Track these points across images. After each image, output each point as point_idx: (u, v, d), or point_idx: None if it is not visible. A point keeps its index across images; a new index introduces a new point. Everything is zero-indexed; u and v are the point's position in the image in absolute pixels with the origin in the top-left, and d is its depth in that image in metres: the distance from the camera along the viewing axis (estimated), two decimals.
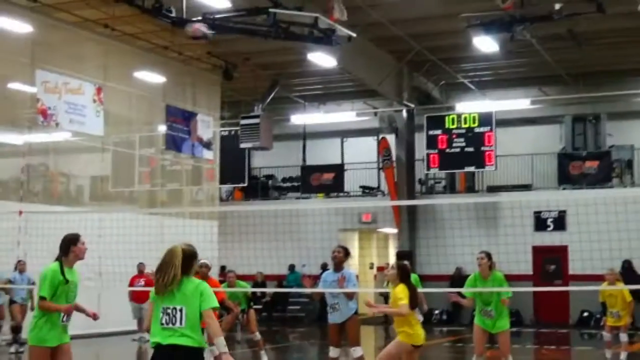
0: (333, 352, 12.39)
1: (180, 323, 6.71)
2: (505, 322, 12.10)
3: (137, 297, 20.46)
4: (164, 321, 6.77)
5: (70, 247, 9.26)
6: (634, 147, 28.39)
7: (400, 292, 10.46)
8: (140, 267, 20.59)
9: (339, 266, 12.42)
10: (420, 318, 11.01)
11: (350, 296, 12.36)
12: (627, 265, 24.16)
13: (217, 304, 6.93)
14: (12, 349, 18.22)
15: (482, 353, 12.22)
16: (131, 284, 20.17)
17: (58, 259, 9.15)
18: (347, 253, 12.57)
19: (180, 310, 6.72)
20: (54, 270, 9.06)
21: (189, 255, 7.04)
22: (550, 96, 29.71)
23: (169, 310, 6.75)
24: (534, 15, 18.38)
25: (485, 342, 12.26)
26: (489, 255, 12.15)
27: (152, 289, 6.96)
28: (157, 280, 6.86)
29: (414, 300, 10.51)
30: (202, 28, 15.85)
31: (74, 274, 9.21)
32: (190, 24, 16.41)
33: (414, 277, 17.61)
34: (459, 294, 12.75)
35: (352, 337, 12.45)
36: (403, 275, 10.69)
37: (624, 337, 15.71)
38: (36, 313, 8.96)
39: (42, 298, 8.88)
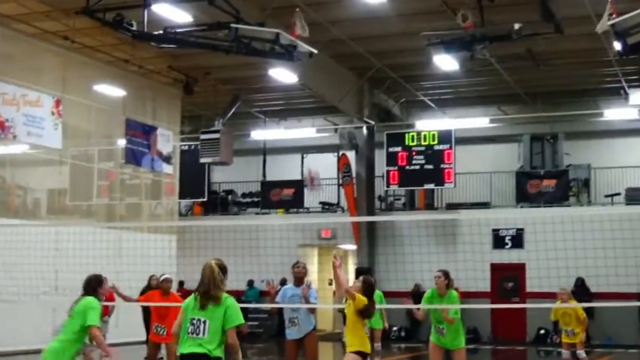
0: None
1: (203, 334, 7.38)
2: (461, 339, 12.14)
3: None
4: (189, 331, 7.48)
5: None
6: (590, 166, 28.71)
7: (359, 297, 10.45)
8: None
9: (300, 281, 12.46)
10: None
11: (311, 309, 12.31)
12: (579, 283, 24.37)
13: (241, 321, 7.57)
14: None
15: None
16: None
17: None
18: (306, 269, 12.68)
19: (204, 323, 7.40)
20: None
21: (223, 270, 7.91)
22: (509, 115, 29.96)
23: (195, 321, 7.44)
24: (493, 35, 18.53)
25: (441, 359, 12.27)
26: (445, 274, 12.19)
27: (186, 301, 7.66)
28: (202, 295, 7.56)
29: (368, 311, 10.46)
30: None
31: None
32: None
33: (377, 294, 17.63)
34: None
35: (310, 354, 12.40)
36: (367, 290, 10.66)
37: (581, 354, 15.82)
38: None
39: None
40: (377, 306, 17.09)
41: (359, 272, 28.79)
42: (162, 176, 26.15)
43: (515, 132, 30.20)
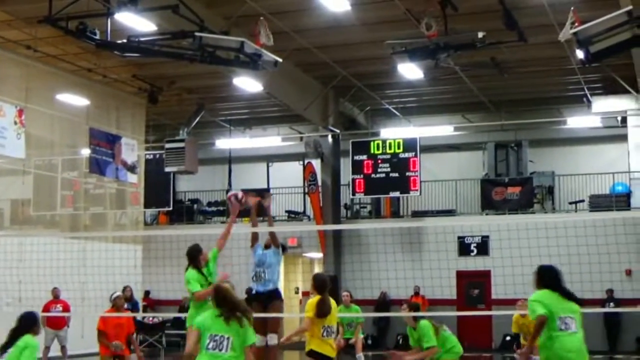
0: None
1: (226, 350, 7.67)
2: (452, 353, 12.12)
3: (54, 323, 19.88)
4: (211, 347, 7.72)
5: None
6: (554, 173, 28.96)
7: (308, 305, 10.39)
8: (55, 292, 19.85)
9: (267, 247, 14.11)
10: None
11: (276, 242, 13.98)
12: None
13: (254, 340, 7.96)
14: None
15: None
16: (46, 309, 19.48)
17: None
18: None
19: (228, 339, 7.69)
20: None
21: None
22: (473, 123, 30.13)
23: (217, 338, 7.69)
24: (457, 43, 18.62)
25: None
26: (410, 306, 12.21)
27: (204, 318, 7.89)
28: (230, 312, 7.83)
29: (322, 309, 10.32)
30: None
31: None
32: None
33: (354, 309, 17.62)
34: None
35: (272, 323, 12.87)
36: (318, 287, 10.57)
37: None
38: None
39: None
40: (351, 315, 17.15)
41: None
42: (127, 185, 25.96)
43: (479, 139, 30.38)
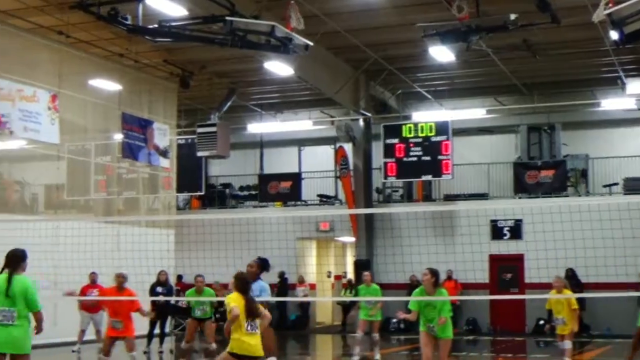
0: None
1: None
2: (449, 331, 12.28)
3: (90, 307, 20.11)
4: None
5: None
6: (588, 156, 28.73)
7: (230, 299, 10.28)
8: (92, 277, 20.08)
9: (252, 279, 12.48)
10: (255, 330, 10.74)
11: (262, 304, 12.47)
12: (570, 274, 24.27)
13: None
14: None
15: (430, 356, 12.29)
16: (82, 294, 19.72)
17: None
18: (263, 266, 13.03)
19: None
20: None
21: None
22: (505, 106, 29.95)
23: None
24: (489, 26, 18.49)
25: (432, 347, 12.31)
26: (432, 272, 12.26)
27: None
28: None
29: (250, 309, 10.22)
30: None
31: None
32: None
33: (374, 288, 17.82)
34: (407, 309, 12.76)
35: (266, 346, 12.57)
36: (239, 286, 10.53)
37: (567, 344, 15.90)
38: (27, 324, 9.67)
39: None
40: (375, 298, 17.31)
41: (357, 265, 28.89)
42: (159, 170, 26.10)
43: (512, 122, 30.20)
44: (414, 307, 12.35)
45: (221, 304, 19.92)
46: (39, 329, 9.95)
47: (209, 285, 22.34)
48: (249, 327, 10.15)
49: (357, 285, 27.72)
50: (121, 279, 14.61)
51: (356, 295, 20.24)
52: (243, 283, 10.46)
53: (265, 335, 12.49)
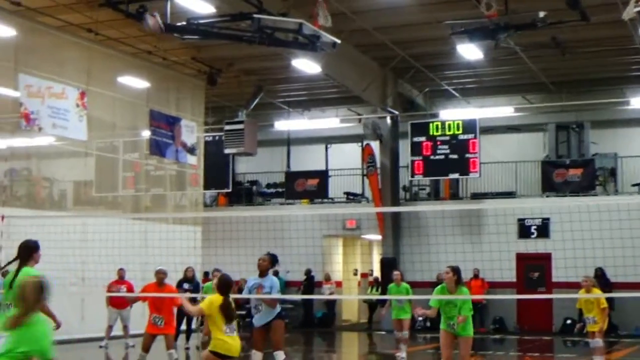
0: (256, 356, 12.68)
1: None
2: (470, 329, 12.28)
3: (117, 303, 20.26)
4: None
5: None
6: (617, 155, 28.51)
7: (206, 300, 10.55)
8: (121, 273, 20.23)
9: (263, 273, 12.77)
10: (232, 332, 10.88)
11: (272, 304, 12.62)
12: (599, 273, 24.09)
13: None
14: None
15: (449, 357, 12.28)
16: (109, 290, 19.88)
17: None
18: (273, 261, 12.94)
19: None
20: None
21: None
22: (533, 104, 29.80)
23: None
24: (518, 23, 18.38)
25: (452, 346, 12.30)
26: (454, 270, 12.25)
27: None
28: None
29: (226, 310, 10.41)
30: (158, 21, 15.54)
31: None
32: (147, 17, 16.09)
33: (404, 287, 17.85)
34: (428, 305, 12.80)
35: (274, 340, 12.64)
36: (221, 287, 10.67)
37: (597, 342, 15.85)
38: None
39: None
40: (405, 297, 17.33)
41: (383, 263, 28.85)
42: (187, 167, 26.18)
43: (540, 121, 30.04)
44: (435, 304, 12.38)
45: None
46: (57, 325, 9.58)
47: (236, 283, 22.41)
48: (227, 330, 10.37)
49: (383, 283, 27.75)
50: (161, 275, 14.58)
51: (386, 294, 20.26)
52: (225, 285, 10.65)
53: (274, 330, 12.60)
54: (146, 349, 14.31)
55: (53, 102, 19.35)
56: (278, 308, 12.68)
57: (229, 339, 10.36)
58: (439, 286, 12.55)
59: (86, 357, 20.25)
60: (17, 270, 9.37)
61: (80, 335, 20.16)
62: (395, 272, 18.74)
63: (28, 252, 9.47)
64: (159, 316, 14.22)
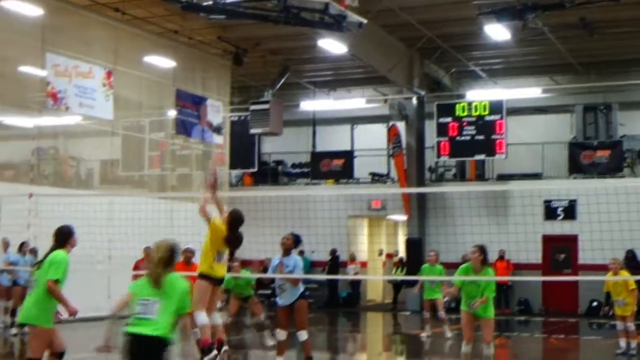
0: (281, 334, 12.82)
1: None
2: (491, 311, 12.21)
3: None
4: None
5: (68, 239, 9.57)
6: None
7: (215, 224, 11.39)
8: (146, 251, 20.30)
9: (287, 252, 12.94)
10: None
11: (294, 282, 12.72)
12: (630, 255, 23.95)
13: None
14: (14, 331, 18.16)
15: (471, 338, 12.25)
16: (136, 267, 19.95)
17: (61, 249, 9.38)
18: (297, 241, 13.10)
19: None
20: (67, 259, 9.24)
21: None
22: (561, 85, 29.57)
23: None
24: (546, 3, 18.28)
25: (473, 326, 12.25)
26: (481, 249, 12.17)
27: None
28: None
29: (228, 240, 11.31)
30: None
31: None
32: None
33: (437, 268, 17.88)
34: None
35: (298, 320, 12.71)
36: (231, 222, 11.51)
37: (630, 326, 15.78)
38: (42, 294, 9.01)
39: (56, 281, 9.13)
40: (438, 278, 17.42)
41: (409, 243, 28.84)
42: (212, 147, 26.26)
43: (567, 102, 29.82)
44: (458, 283, 12.31)
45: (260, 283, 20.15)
46: (70, 311, 9.50)
47: (262, 262, 22.51)
48: (217, 259, 11.28)
49: (408, 263, 27.76)
50: (189, 254, 14.79)
51: (414, 274, 20.32)
52: (238, 221, 11.55)
53: (298, 310, 12.66)
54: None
55: (80, 82, 19.47)
56: (301, 287, 12.75)
57: (217, 267, 11.24)
58: (464, 265, 12.45)
59: (113, 334, 20.36)
60: (48, 253, 9.50)
61: (107, 313, 20.29)
62: (431, 252, 18.83)
63: (63, 237, 9.60)
64: None
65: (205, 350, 11.06)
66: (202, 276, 11.14)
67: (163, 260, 7.23)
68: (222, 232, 11.06)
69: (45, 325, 9.20)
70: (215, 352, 11.19)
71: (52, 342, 9.29)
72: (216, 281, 11.15)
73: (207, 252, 11.10)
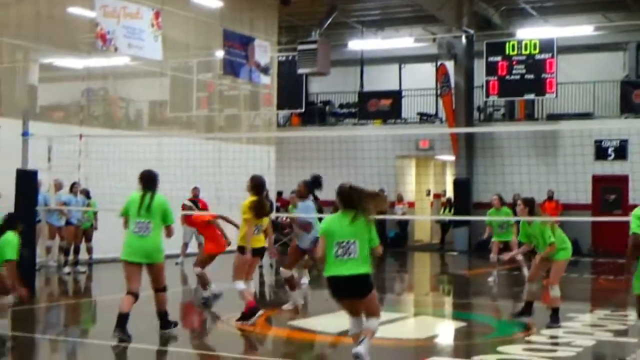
0: (284, 273, 13.17)
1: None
2: (559, 254, 11.98)
3: (191, 221, 20.48)
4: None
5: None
6: None
7: (244, 207, 11.31)
8: (195, 192, 20.39)
9: (301, 198, 13.49)
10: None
11: (305, 229, 13.15)
12: None
13: None
14: (67, 270, 18.47)
15: (532, 279, 12.25)
16: (184, 208, 20.07)
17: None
18: (311, 185, 13.44)
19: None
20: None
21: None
22: (614, 22, 29.02)
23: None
24: None
25: (539, 269, 12.20)
26: (526, 202, 12.13)
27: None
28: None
29: (257, 208, 11.30)
30: None
31: None
32: None
33: (504, 211, 17.68)
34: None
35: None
36: (254, 188, 11.49)
37: None
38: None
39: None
40: (505, 218, 17.28)
41: (457, 183, 28.76)
42: (260, 87, 26.25)
43: (620, 40, 29.30)
44: (524, 239, 12.25)
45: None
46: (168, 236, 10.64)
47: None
48: (255, 231, 11.39)
49: (456, 203, 27.72)
50: (195, 190, 14.99)
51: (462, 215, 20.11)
52: (260, 185, 11.53)
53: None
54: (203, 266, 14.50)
55: (128, 22, 19.48)
56: (315, 233, 12.53)
57: (254, 238, 11.32)
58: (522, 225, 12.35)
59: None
60: (151, 196, 10.50)
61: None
62: (494, 197, 18.29)
63: (153, 181, 10.71)
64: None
65: (253, 310, 11.31)
66: (241, 248, 11.34)
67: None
68: (250, 210, 11.25)
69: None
70: (261, 311, 11.45)
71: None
72: (255, 252, 11.41)
73: (244, 227, 11.32)
